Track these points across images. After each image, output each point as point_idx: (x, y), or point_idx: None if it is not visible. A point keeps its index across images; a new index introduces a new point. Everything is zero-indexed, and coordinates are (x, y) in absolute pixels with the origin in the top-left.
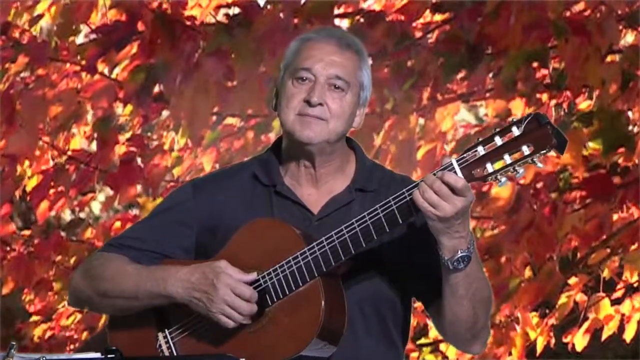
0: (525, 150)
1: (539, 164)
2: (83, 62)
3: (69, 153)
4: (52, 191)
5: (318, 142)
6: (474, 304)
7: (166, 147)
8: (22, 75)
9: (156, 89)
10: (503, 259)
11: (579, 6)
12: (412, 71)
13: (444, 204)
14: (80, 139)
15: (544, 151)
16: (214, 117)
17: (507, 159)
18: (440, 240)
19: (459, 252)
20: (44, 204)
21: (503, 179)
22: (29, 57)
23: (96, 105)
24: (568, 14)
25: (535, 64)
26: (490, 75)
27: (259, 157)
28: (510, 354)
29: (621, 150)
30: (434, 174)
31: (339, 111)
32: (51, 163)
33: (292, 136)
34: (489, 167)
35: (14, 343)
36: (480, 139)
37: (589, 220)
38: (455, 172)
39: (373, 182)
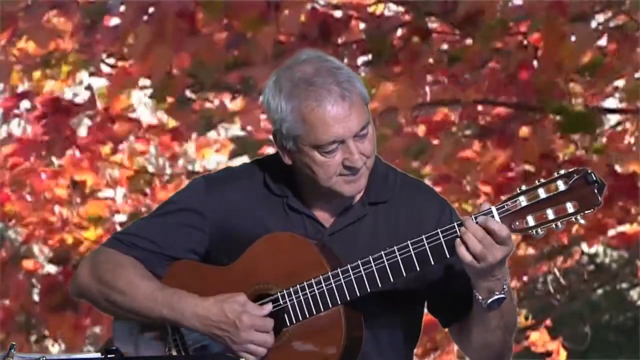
0: (570, 207)
1: (581, 221)
2: None
3: None
4: None
5: (362, 188)
6: (504, 332)
7: None
8: None
9: None
10: None
11: None
12: None
13: (486, 255)
14: None
15: (589, 211)
16: None
17: (550, 214)
18: (476, 282)
19: (495, 294)
20: None
21: (542, 232)
22: None
23: None
24: None
25: None
26: None
27: (267, 164)
28: None
29: None
30: (475, 221)
31: (371, 149)
32: None
33: (334, 192)
34: (530, 220)
35: (14, 343)
36: (523, 188)
37: None
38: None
39: (387, 190)
